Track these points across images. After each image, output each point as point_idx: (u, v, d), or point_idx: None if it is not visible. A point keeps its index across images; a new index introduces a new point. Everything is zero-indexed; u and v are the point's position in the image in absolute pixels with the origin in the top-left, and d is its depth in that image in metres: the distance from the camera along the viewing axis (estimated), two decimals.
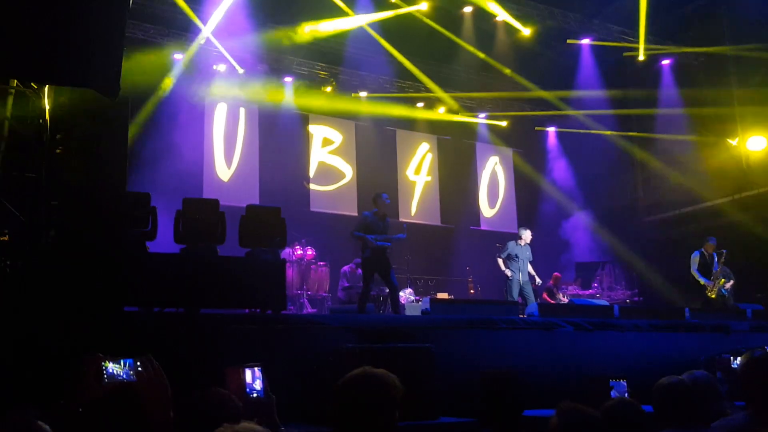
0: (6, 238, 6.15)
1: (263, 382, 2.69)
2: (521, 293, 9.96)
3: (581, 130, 14.80)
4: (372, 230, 8.20)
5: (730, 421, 3.09)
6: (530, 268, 10.22)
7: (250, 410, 2.55)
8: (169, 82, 12.03)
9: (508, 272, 10.02)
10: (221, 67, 12.79)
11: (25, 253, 5.88)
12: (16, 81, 6.18)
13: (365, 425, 2.09)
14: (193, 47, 12.13)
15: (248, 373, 2.66)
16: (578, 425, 2.36)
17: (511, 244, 10.26)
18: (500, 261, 10.22)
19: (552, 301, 11.90)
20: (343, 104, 14.08)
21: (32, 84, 6.08)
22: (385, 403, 2.14)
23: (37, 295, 5.53)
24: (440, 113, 15.13)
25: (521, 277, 9.95)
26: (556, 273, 12.70)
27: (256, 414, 2.54)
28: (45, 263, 5.54)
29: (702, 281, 10.32)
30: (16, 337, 4.65)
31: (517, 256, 10.05)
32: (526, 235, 10.27)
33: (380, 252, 8.18)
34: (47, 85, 5.89)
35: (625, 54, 13.63)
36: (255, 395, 2.63)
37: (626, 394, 3.91)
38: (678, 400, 2.98)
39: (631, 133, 14.74)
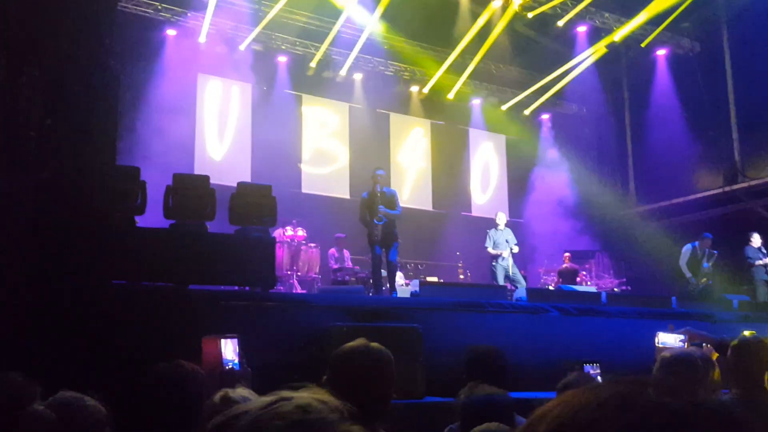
0: None
1: (240, 354, 2.68)
2: (507, 278, 10.00)
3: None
4: (372, 205, 8.20)
5: None
6: (513, 246, 10.25)
7: (225, 381, 2.55)
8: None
9: (493, 251, 10.10)
10: (213, 45, 12.67)
11: (13, 226, 5.85)
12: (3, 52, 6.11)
13: (362, 396, 2.07)
14: (181, 15, 11.98)
15: (224, 343, 2.65)
16: (481, 402, 2.39)
17: (491, 231, 10.33)
18: (490, 251, 10.27)
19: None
20: (337, 86, 14.03)
21: (22, 56, 6.02)
22: (383, 376, 2.13)
23: (26, 267, 5.50)
24: (433, 97, 15.06)
25: (505, 262, 10.01)
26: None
27: (230, 385, 2.54)
28: (33, 236, 5.50)
29: (687, 276, 10.31)
30: (4, 309, 4.63)
31: (499, 242, 10.16)
32: (501, 218, 10.36)
33: (382, 229, 8.22)
34: (38, 58, 5.83)
35: (618, 40, 13.56)
36: (230, 366, 2.63)
37: (598, 377, 3.94)
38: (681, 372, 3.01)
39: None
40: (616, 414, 0.59)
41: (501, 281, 9.98)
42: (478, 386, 2.45)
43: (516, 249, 10.26)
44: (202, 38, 12.33)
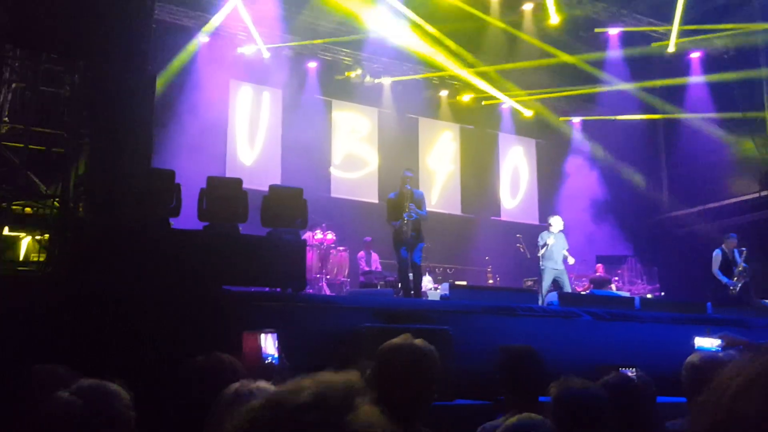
0: (30, 211, 6.28)
1: (278, 348, 2.71)
2: (555, 282, 9.86)
3: (605, 117, 14.61)
4: (400, 208, 8.16)
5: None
6: (566, 254, 10.13)
7: (265, 375, 2.58)
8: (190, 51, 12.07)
9: (543, 251, 9.96)
10: (246, 50, 12.86)
11: (50, 226, 5.99)
12: (43, 55, 6.28)
13: (404, 393, 2.06)
14: (213, 22, 12.14)
15: (264, 338, 2.69)
16: (578, 396, 2.32)
17: (545, 234, 10.14)
18: (541, 252, 10.13)
19: None
20: (367, 91, 14.09)
21: (63, 60, 6.18)
22: (427, 373, 2.12)
23: (62, 267, 5.62)
24: (465, 101, 15.04)
25: (556, 266, 9.87)
26: None
27: (269, 379, 2.56)
28: (69, 236, 5.63)
29: (723, 281, 10.16)
30: (40, 310, 4.74)
31: (551, 246, 9.99)
32: (555, 222, 10.16)
33: (411, 226, 8.11)
34: (76, 61, 5.98)
35: (654, 44, 13.43)
36: (270, 360, 2.66)
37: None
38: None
39: (657, 116, 14.48)
40: None
41: (547, 286, 9.82)
42: (571, 380, 2.38)
43: (571, 260, 10.18)
44: (240, 48, 12.58)
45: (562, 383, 2.36)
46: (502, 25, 13.10)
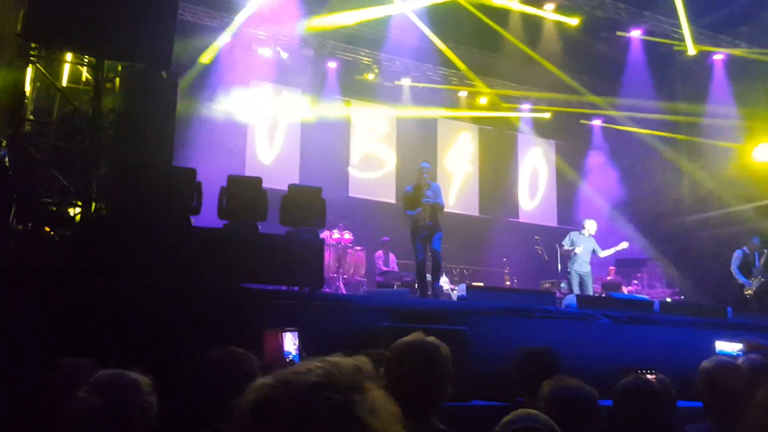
0: (54, 209, 6.37)
1: (299, 346, 2.74)
2: (581, 285, 9.88)
3: (626, 128, 14.53)
4: (417, 199, 8.17)
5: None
6: (603, 253, 10.15)
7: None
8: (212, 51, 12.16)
9: (568, 248, 9.96)
10: (265, 51, 12.93)
11: (73, 223, 6.08)
12: (70, 54, 6.38)
13: (416, 389, 2.09)
14: (236, 23, 12.22)
15: (285, 336, 2.72)
16: (567, 397, 2.32)
17: (574, 234, 10.18)
18: (566, 248, 10.16)
19: None
20: (386, 91, 14.11)
21: (86, 58, 6.27)
22: (438, 369, 2.14)
23: (84, 264, 5.69)
24: (482, 104, 15.01)
25: (581, 269, 9.86)
26: None
27: None
28: (92, 233, 5.70)
29: (740, 280, 10.17)
30: (62, 307, 4.81)
31: (579, 247, 10.00)
32: (589, 225, 10.19)
33: (430, 211, 8.11)
34: (101, 60, 6.06)
35: (676, 47, 13.30)
36: (290, 358, 2.69)
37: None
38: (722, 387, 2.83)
39: (677, 136, 14.39)
40: None
41: (576, 288, 9.84)
42: (564, 380, 2.40)
43: (625, 245, 10.18)
44: (261, 49, 12.66)
45: (555, 382, 2.39)
46: (522, 46, 13.12)
